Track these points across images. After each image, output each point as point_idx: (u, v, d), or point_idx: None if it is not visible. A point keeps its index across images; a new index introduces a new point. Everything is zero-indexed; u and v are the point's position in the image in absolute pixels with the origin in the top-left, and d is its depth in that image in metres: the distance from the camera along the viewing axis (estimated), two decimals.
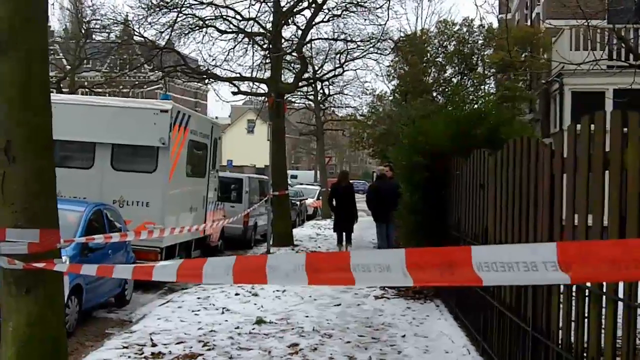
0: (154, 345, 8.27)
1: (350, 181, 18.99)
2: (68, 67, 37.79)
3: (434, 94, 25.87)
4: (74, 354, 7.76)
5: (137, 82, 35.04)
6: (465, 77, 25.79)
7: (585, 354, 4.55)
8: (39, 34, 5.04)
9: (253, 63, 25.37)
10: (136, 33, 24.41)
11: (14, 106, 4.90)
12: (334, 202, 17.87)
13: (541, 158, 5.57)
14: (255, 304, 11.12)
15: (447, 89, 25.10)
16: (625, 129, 3.93)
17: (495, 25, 28.99)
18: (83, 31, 34.29)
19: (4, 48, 4.87)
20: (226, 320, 9.82)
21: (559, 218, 5.16)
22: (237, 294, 11.89)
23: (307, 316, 10.32)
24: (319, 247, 21.77)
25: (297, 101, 41.01)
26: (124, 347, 8.13)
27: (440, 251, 3.00)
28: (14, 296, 4.92)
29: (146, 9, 21.95)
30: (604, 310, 4.29)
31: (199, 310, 10.54)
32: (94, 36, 34.06)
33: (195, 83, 38.52)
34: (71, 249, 9.36)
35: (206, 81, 26.35)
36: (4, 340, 5.03)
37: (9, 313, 4.92)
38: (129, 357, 7.74)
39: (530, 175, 5.87)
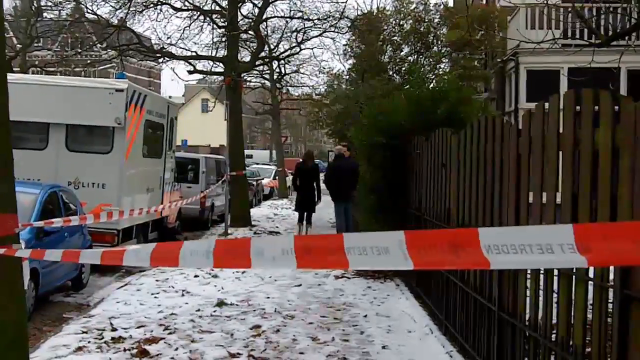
0: (114, 329, 8.13)
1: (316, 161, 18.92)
2: (19, 46, 36.92)
3: (390, 73, 25.84)
4: (32, 339, 7.54)
5: (89, 61, 34.28)
6: (421, 56, 25.82)
7: (554, 333, 4.56)
8: None
9: (213, 40, 25.03)
10: (89, 11, 23.95)
11: None
12: (298, 182, 17.77)
13: (507, 138, 5.56)
14: (215, 286, 11.02)
15: (403, 68, 25.13)
16: (597, 107, 3.91)
17: (451, 4, 29.01)
18: (34, 9, 33.49)
19: None
20: (186, 303, 9.71)
21: (525, 198, 5.16)
22: (196, 276, 11.77)
23: (268, 297, 10.26)
24: (277, 227, 21.70)
25: (252, 80, 40.67)
26: (84, 332, 7.98)
27: (444, 233, 2.88)
28: None
29: None
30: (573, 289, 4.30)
31: (158, 293, 10.41)
32: (45, 14, 33.29)
33: (150, 62, 37.88)
34: (26, 233, 9.13)
35: (161, 60, 25.98)
36: None
37: None
38: (89, 342, 7.59)
39: (496, 154, 5.86)
